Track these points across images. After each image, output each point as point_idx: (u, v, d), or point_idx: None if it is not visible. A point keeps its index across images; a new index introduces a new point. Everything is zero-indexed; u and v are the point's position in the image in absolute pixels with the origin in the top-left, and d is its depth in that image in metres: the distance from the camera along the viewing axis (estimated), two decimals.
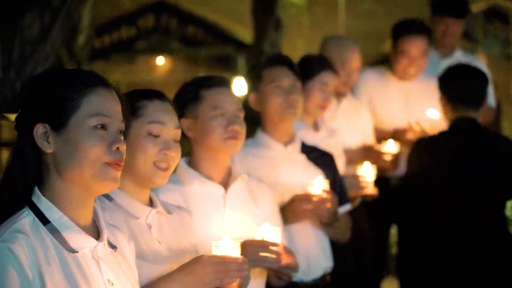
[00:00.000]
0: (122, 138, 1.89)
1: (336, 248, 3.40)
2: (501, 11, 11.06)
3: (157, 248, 2.26)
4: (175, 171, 2.38)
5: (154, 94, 2.35)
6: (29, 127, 1.85)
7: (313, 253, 3.21)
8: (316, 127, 3.83)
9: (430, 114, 4.49)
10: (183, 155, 2.41)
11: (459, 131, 3.97)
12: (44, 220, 1.82)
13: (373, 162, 4.08)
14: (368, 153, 4.23)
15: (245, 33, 11.26)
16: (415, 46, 4.59)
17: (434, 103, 4.54)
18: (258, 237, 2.60)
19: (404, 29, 4.65)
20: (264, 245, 2.57)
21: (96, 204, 1.93)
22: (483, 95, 4.00)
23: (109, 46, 12.13)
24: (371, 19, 10.70)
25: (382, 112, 4.71)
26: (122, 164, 1.87)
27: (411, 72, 4.65)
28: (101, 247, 1.88)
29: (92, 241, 1.86)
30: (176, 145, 2.32)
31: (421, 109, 4.61)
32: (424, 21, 4.79)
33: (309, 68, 3.73)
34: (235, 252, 2.19)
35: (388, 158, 4.18)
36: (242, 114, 2.77)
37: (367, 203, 4.07)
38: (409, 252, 4.18)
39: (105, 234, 1.90)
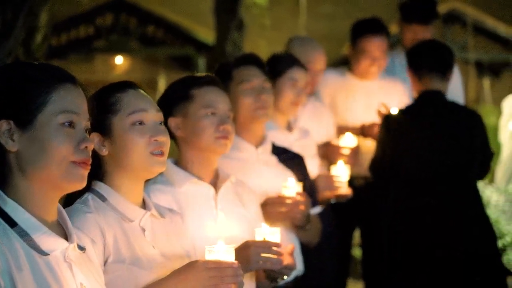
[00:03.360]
0: (89, 136, 1.82)
1: (305, 250, 3.36)
2: (459, 16, 11.19)
3: (151, 253, 2.18)
4: (162, 172, 2.31)
5: (125, 85, 2.27)
6: None
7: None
8: (289, 127, 3.80)
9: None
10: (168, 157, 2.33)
11: (425, 104, 4.14)
12: (12, 223, 1.72)
13: (331, 157, 4.08)
14: (326, 148, 4.22)
15: (205, 34, 11.20)
16: (376, 45, 4.61)
17: (396, 101, 4.57)
18: (258, 238, 2.55)
19: (364, 29, 4.66)
20: (267, 246, 2.52)
21: (59, 204, 1.85)
22: (447, 64, 4.15)
23: (66, 45, 11.96)
24: (331, 21, 10.75)
25: (345, 112, 4.70)
26: (89, 163, 1.80)
27: (372, 71, 4.66)
28: (72, 249, 1.79)
29: (63, 242, 1.77)
30: (164, 129, 2.24)
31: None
32: (382, 20, 4.79)
33: (278, 66, 3.69)
34: (230, 257, 2.11)
35: (346, 152, 4.16)
36: (232, 114, 2.73)
37: (332, 204, 4.04)
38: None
39: (74, 235, 1.82)
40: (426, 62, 4.14)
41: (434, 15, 5.14)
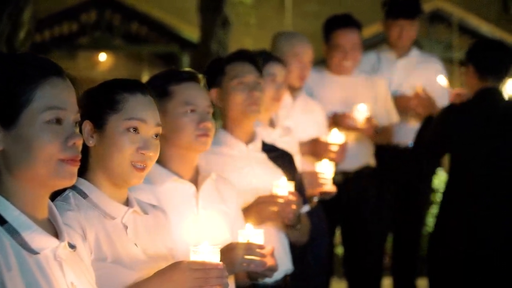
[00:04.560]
0: (78, 130, 1.77)
1: (295, 248, 3.35)
2: (444, 15, 11.20)
3: (133, 251, 2.14)
4: None
5: (136, 86, 2.22)
6: None
7: (276, 255, 3.15)
8: (272, 124, 3.78)
9: (360, 109, 4.53)
10: None
11: (485, 100, 4.29)
12: (1, 220, 1.68)
13: (319, 154, 4.07)
14: (314, 145, 4.20)
15: (190, 31, 11.14)
16: (348, 38, 4.65)
17: (372, 97, 4.60)
18: (241, 239, 2.53)
19: (335, 23, 4.71)
20: (251, 248, 2.51)
21: (50, 201, 1.80)
22: (508, 68, 4.38)
23: (49, 41, 11.84)
24: (317, 20, 10.70)
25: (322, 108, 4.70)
26: (79, 159, 1.74)
27: (347, 65, 4.68)
28: (62, 247, 1.75)
29: (53, 241, 1.73)
30: (156, 143, 2.21)
31: (360, 102, 4.62)
32: (353, 16, 4.83)
33: None
34: (215, 258, 2.08)
35: (334, 148, 4.15)
36: (211, 110, 2.70)
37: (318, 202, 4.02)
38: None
39: (65, 233, 1.78)
40: (494, 66, 4.30)
41: (419, 9, 5.18)
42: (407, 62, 5.13)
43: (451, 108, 4.39)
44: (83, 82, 2.25)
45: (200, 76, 2.73)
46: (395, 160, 4.99)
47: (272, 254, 2.65)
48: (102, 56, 12.41)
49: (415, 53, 5.21)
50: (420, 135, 4.50)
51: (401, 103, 4.89)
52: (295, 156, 3.76)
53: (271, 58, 3.74)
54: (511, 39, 11.56)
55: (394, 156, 4.99)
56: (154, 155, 2.20)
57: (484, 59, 4.33)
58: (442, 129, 4.34)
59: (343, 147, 4.18)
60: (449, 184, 4.37)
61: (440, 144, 4.36)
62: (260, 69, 3.23)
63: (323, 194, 3.76)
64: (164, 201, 2.59)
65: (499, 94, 4.33)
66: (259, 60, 3.28)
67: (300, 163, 3.90)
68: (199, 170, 2.74)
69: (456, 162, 4.34)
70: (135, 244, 2.16)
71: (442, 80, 4.83)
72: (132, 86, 2.22)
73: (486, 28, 11.38)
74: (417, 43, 10.71)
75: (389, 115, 4.84)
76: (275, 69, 3.71)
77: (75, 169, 1.74)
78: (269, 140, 3.49)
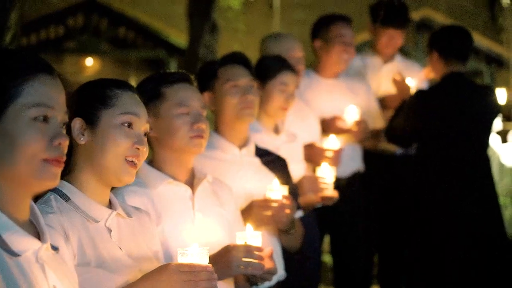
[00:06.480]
0: (65, 131, 1.71)
1: (287, 254, 3.31)
2: (432, 24, 11.25)
3: (118, 255, 2.07)
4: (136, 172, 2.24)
5: (125, 85, 2.19)
6: None
7: None
8: (276, 130, 3.74)
9: (350, 111, 4.52)
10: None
11: (451, 84, 4.46)
12: None
13: (315, 159, 4.03)
14: (310, 150, 4.17)
15: (177, 37, 11.11)
16: (349, 31, 4.64)
17: (359, 99, 4.61)
18: (239, 242, 2.49)
19: (334, 18, 4.71)
20: (248, 250, 2.45)
21: (32, 202, 1.73)
22: (469, 51, 4.56)
23: (36, 45, 11.78)
24: (304, 27, 10.74)
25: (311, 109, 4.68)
26: (63, 160, 1.68)
27: (345, 58, 4.64)
28: (45, 249, 1.68)
29: (35, 242, 1.65)
30: (145, 141, 2.17)
31: (347, 105, 4.61)
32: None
33: (268, 69, 3.63)
34: (203, 260, 2.02)
35: (329, 154, 4.12)
36: (205, 112, 2.65)
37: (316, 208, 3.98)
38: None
39: (47, 234, 1.70)
40: (456, 49, 4.49)
41: (408, 19, 5.21)
42: (392, 67, 5.15)
43: (420, 93, 4.55)
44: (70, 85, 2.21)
45: (192, 77, 2.69)
46: (382, 166, 4.97)
47: (271, 257, 2.60)
48: (89, 61, 12.36)
49: (399, 59, 5.24)
50: (392, 122, 4.61)
51: (388, 102, 4.92)
52: (300, 163, 3.72)
53: (285, 67, 3.66)
54: (499, 49, 11.63)
55: (380, 162, 4.97)
56: (146, 151, 2.17)
57: (447, 43, 4.51)
58: (412, 114, 4.48)
59: (338, 153, 4.13)
60: (420, 170, 4.50)
61: (412, 129, 4.49)
62: (253, 72, 3.19)
63: (325, 199, 3.70)
64: (160, 204, 2.54)
65: (464, 77, 4.49)
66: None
67: (306, 170, 3.86)
68: (195, 172, 2.69)
69: (426, 147, 4.46)
70: (120, 248, 2.11)
71: (410, 81, 4.92)
72: (122, 83, 2.20)
73: (474, 37, 11.44)
74: (404, 52, 10.79)
75: (375, 120, 4.83)
76: (287, 79, 3.65)
77: (58, 170, 1.68)
78: (273, 146, 3.44)
